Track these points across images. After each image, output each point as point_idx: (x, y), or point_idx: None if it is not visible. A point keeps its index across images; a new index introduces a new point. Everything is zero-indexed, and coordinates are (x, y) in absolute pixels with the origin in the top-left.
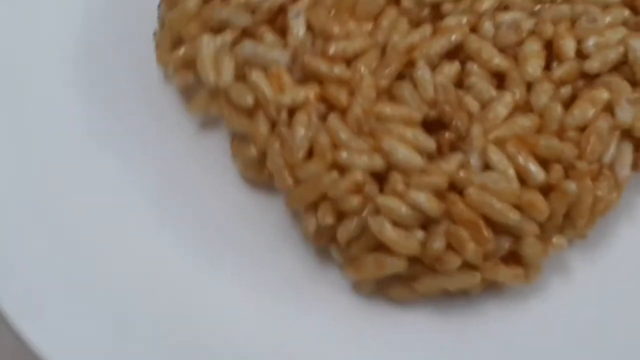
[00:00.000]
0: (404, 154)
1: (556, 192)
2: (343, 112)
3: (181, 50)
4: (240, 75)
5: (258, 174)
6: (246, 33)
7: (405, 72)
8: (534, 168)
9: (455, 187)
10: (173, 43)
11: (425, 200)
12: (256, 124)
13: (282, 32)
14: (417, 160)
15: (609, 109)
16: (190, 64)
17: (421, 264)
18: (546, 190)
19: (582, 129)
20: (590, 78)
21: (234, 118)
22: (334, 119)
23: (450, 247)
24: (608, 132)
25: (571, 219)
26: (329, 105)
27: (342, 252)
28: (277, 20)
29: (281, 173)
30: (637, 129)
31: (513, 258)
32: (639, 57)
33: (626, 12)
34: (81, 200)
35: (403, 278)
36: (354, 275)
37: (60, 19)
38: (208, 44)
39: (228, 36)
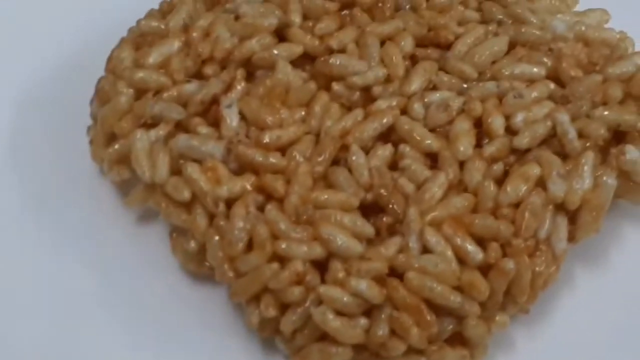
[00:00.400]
0: (343, 241)
1: (495, 271)
2: (280, 201)
3: (115, 146)
4: (176, 169)
5: (198, 266)
6: (180, 126)
7: (340, 157)
8: (471, 248)
9: (396, 272)
10: (107, 139)
11: (366, 287)
12: (194, 218)
13: (216, 123)
14: (356, 247)
15: (541, 183)
16: (125, 158)
17: (367, 351)
18: (485, 269)
19: (516, 205)
20: (520, 153)
21: (172, 212)
22: (271, 210)
23: (394, 333)
24: (542, 207)
25: (512, 296)
26: (266, 195)
27: (287, 343)
28: (210, 112)
29: (221, 266)
30: (570, 203)
31: (457, 339)
32: (566, 130)
33: (551, 86)
34: (16, 297)
35: None
36: None
37: None
38: (142, 139)
39: (162, 130)
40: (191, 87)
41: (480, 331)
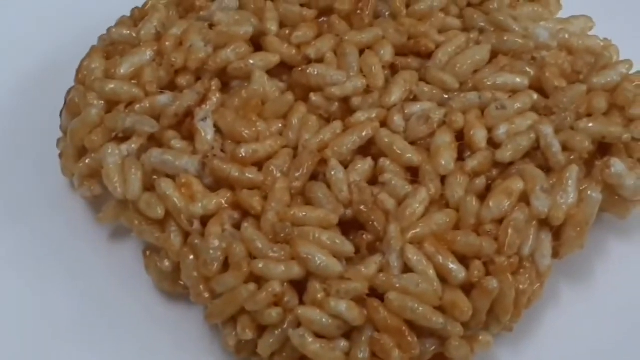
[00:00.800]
0: (322, 260)
1: (478, 290)
2: (257, 218)
3: (85, 161)
4: (149, 185)
5: (173, 286)
6: (153, 139)
7: (319, 172)
8: (453, 267)
9: (376, 292)
10: (77, 152)
11: (346, 308)
12: (168, 236)
13: (190, 136)
14: (335, 266)
15: (524, 198)
16: (96, 173)
17: None
18: (468, 287)
19: (499, 221)
20: (503, 166)
21: (145, 229)
22: (248, 228)
23: (375, 355)
24: (525, 223)
25: (495, 315)
26: (243, 212)
27: None
28: (184, 125)
29: (197, 287)
30: (554, 218)
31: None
32: (550, 143)
33: (535, 96)
34: None
35: None
36: None
37: None
38: (113, 154)
39: (134, 144)
40: (164, 99)
41: (464, 352)
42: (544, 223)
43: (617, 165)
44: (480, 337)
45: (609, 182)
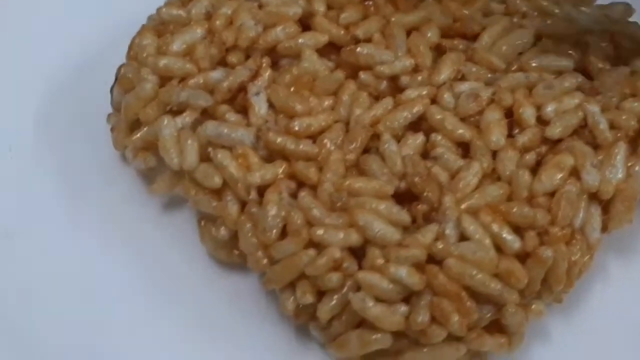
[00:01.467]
0: (380, 228)
1: (533, 259)
2: (313, 189)
3: (140, 133)
4: (204, 157)
5: (228, 254)
6: (206, 113)
7: (371, 146)
8: (509, 236)
9: (434, 259)
10: (130, 126)
11: (406, 274)
12: (225, 205)
13: (242, 110)
14: (393, 234)
15: (574, 173)
16: (150, 145)
17: (406, 338)
18: (522, 257)
19: (551, 194)
20: (552, 143)
21: (201, 199)
22: (306, 197)
23: (434, 319)
24: (576, 197)
25: (548, 285)
26: (299, 182)
27: (322, 330)
28: (237, 100)
29: (255, 254)
30: (604, 192)
31: (495, 326)
32: (597, 121)
33: (580, 78)
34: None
35: (388, 353)
36: (338, 354)
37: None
38: (169, 126)
39: (188, 117)
40: (217, 74)
41: (519, 319)
42: (593, 197)
43: None
44: (533, 306)
45: None
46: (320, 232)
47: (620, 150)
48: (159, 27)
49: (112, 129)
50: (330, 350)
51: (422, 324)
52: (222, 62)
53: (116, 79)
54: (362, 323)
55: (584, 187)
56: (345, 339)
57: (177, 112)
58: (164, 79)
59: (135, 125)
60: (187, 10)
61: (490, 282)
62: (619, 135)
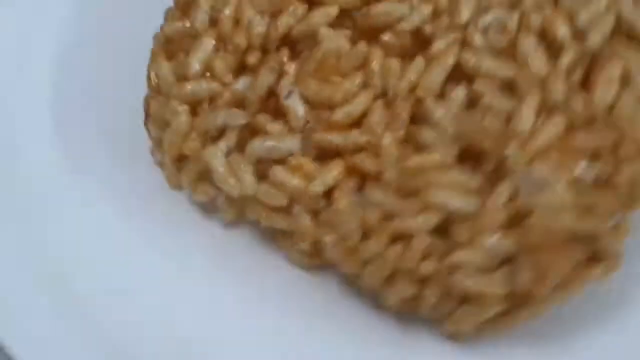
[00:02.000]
0: (456, 201)
1: (614, 183)
2: (377, 178)
3: (190, 170)
4: (260, 173)
5: (313, 261)
6: (246, 128)
7: (415, 112)
8: (584, 168)
9: (518, 215)
10: (177, 160)
11: (496, 241)
12: (297, 219)
13: (279, 113)
14: (470, 203)
15: (625, 80)
16: (203, 176)
17: (515, 298)
18: (601, 184)
19: (610, 108)
20: (593, 54)
21: (273, 217)
22: (373, 191)
23: (536, 276)
24: (636, 104)
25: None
26: (360, 176)
27: (431, 313)
28: (270, 103)
29: (343, 260)
30: None
31: (593, 259)
32: (633, 18)
33: None
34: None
35: (499, 315)
36: (453, 331)
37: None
38: (216, 155)
39: (231, 140)
40: (242, 84)
41: (615, 244)
42: None
43: None
44: (622, 224)
45: None
46: (399, 222)
47: None
48: (168, 46)
49: (161, 167)
50: (444, 330)
51: (526, 283)
52: (242, 66)
53: (147, 114)
54: (467, 298)
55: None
56: (458, 318)
57: (217, 136)
58: (193, 104)
59: (182, 157)
60: (191, 21)
61: (581, 223)
62: None
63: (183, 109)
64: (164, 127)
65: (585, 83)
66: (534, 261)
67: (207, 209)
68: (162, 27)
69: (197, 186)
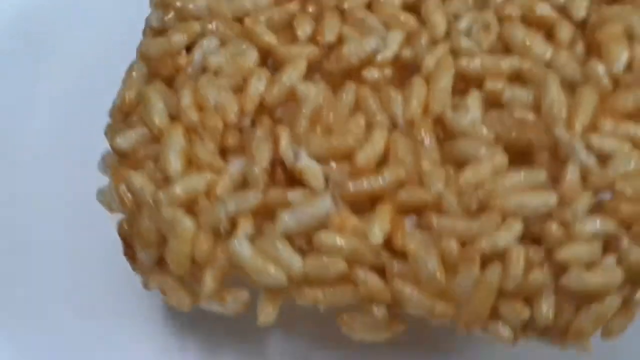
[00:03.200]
0: (533, 200)
1: None
2: (437, 206)
3: (214, 279)
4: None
5: (392, 328)
6: (260, 211)
7: (439, 132)
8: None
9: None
10: (189, 276)
11: (597, 224)
12: (365, 284)
13: (293, 178)
14: (548, 198)
15: (630, 35)
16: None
17: (631, 278)
18: None
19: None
20: (582, 24)
21: (334, 293)
22: (442, 221)
23: None
24: None
25: None
26: (415, 210)
27: (550, 330)
28: (276, 175)
29: (435, 307)
30: None
31: None
32: None
33: None
34: None
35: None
36: (578, 342)
37: None
38: (242, 247)
39: (247, 227)
40: (238, 165)
41: None
42: None
43: None
44: None
45: None
46: (488, 243)
47: None
48: (126, 161)
49: (163, 293)
50: (569, 345)
51: (638, 261)
52: (222, 149)
53: (127, 244)
54: (584, 298)
55: None
56: (580, 325)
57: (230, 229)
58: (188, 204)
59: (195, 268)
60: (147, 124)
61: None
62: None
63: (181, 212)
64: (160, 245)
65: (590, 54)
66: (637, 234)
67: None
68: (113, 144)
69: (224, 295)
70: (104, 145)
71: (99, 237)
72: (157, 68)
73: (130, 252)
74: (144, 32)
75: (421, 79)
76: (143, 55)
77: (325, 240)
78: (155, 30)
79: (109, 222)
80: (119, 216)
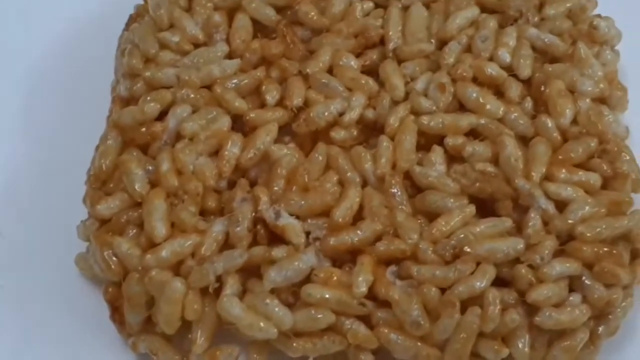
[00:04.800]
0: (503, 247)
1: (617, 178)
2: (413, 256)
3: (200, 335)
4: (286, 302)
5: None
6: (244, 268)
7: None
8: (590, 175)
9: (560, 237)
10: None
11: (561, 267)
12: (352, 332)
13: (278, 238)
14: (516, 245)
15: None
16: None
17: (595, 313)
18: (608, 179)
19: (574, 121)
20: (527, 82)
21: (323, 343)
22: (420, 269)
23: (606, 285)
24: (595, 107)
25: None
26: (394, 260)
27: None
28: (257, 234)
29: (421, 351)
30: (604, 90)
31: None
32: (546, 41)
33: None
34: None
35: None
36: None
37: None
38: (232, 304)
39: (234, 285)
40: (221, 226)
41: None
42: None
43: None
44: None
45: None
46: (460, 289)
47: (582, 48)
48: (109, 229)
49: (152, 354)
50: None
51: (601, 297)
52: (204, 209)
53: (114, 307)
54: (552, 335)
55: (588, 96)
56: (554, 357)
57: (218, 288)
58: (175, 267)
59: (184, 327)
60: (129, 192)
61: (618, 222)
62: (571, 39)
63: (170, 275)
64: (147, 307)
65: (538, 109)
66: (599, 272)
67: None
68: (93, 213)
69: (215, 352)
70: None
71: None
72: (132, 136)
73: (117, 316)
74: (112, 101)
75: (387, 137)
76: (115, 124)
77: (312, 293)
78: (124, 100)
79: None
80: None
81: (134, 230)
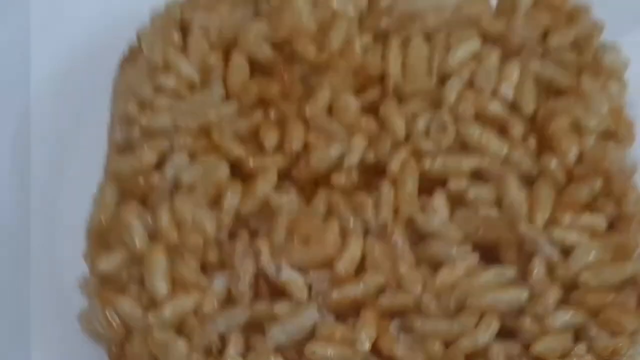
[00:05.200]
0: (503, 298)
1: (623, 221)
2: (417, 309)
3: None
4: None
5: None
6: (249, 325)
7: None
8: (595, 218)
9: (565, 286)
10: None
11: (568, 317)
12: None
13: (274, 293)
14: (519, 293)
15: (576, 128)
16: None
17: None
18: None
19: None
20: (531, 120)
21: None
22: (423, 322)
23: (612, 333)
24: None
25: None
26: (397, 314)
27: None
28: (261, 289)
29: None
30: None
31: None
32: (548, 74)
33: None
34: None
35: None
36: None
37: None
38: None
39: (238, 343)
40: (221, 282)
41: None
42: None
43: None
44: None
45: None
46: (468, 342)
47: (587, 83)
48: (110, 286)
49: None
50: None
51: (607, 346)
52: (205, 263)
53: None
54: None
55: (594, 132)
56: None
57: (221, 347)
58: (178, 326)
59: None
60: (128, 247)
61: (623, 269)
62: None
63: (173, 335)
64: None
65: (542, 148)
66: (604, 321)
67: None
68: (94, 271)
69: None
70: None
71: None
72: (130, 187)
73: None
74: (109, 147)
75: (388, 183)
76: (113, 174)
77: (317, 351)
78: (120, 147)
79: None
80: None
81: (136, 286)
